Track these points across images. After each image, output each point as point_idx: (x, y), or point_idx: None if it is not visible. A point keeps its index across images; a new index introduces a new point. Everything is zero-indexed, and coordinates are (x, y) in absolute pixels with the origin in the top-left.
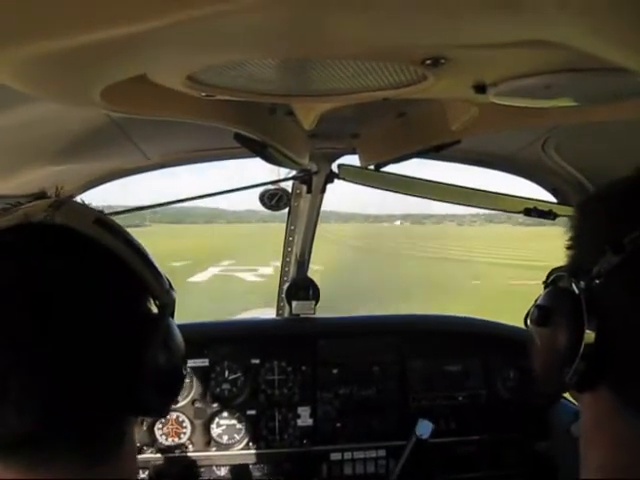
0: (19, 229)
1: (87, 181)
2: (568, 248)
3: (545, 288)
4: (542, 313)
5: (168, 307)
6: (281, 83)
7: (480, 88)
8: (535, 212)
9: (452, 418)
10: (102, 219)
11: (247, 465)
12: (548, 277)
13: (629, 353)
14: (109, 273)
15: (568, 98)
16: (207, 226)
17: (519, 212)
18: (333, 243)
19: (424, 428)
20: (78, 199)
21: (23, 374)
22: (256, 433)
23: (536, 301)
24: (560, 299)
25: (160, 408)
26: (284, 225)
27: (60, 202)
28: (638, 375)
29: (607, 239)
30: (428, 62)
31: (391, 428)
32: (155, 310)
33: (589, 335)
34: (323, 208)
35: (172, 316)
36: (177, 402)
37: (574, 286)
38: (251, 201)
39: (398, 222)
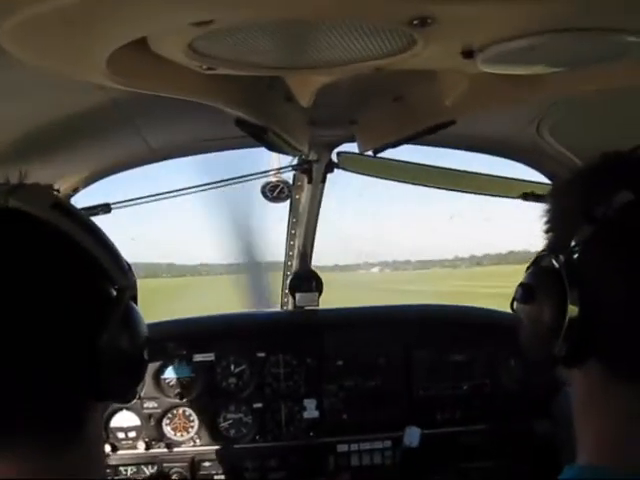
0: None
1: (91, 173)
2: (546, 231)
3: (527, 270)
4: (526, 290)
5: (127, 290)
6: (276, 54)
7: (468, 54)
8: (532, 197)
9: (457, 408)
10: (60, 204)
11: (254, 458)
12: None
13: (614, 323)
14: (64, 256)
15: (553, 62)
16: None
17: (517, 197)
18: None
19: (412, 436)
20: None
21: None
22: (263, 426)
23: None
24: (542, 275)
25: (122, 393)
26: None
27: (15, 187)
28: (626, 346)
29: (581, 213)
30: (415, 22)
31: (397, 419)
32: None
33: (574, 309)
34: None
35: (134, 300)
36: (182, 397)
37: (554, 262)
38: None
39: (376, 269)
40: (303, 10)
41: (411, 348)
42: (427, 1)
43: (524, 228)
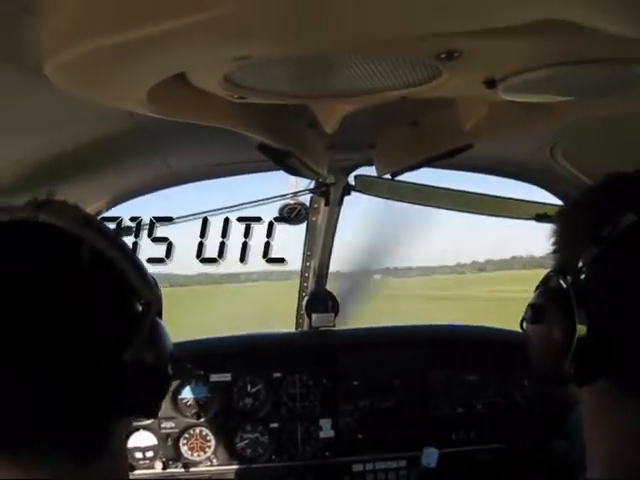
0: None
1: (114, 197)
2: (553, 252)
3: (535, 290)
4: (534, 311)
5: (153, 305)
6: (306, 84)
7: (490, 83)
8: (547, 218)
9: (472, 427)
10: (87, 217)
11: (271, 478)
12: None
13: (621, 342)
14: (91, 271)
15: (572, 90)
16: None
17: (530, 219)
18: None
19: (430, 456)
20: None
21: (6, 374)
22: (279, 446)
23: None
24: (550, 295)
25: (146, 408)
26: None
27: (44, 202)
28: (633, 364)
29: (587, 235)
30: (443, 56)
31: (412, 438)
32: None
33: (582, 329)
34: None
35: (159, 315)
36: (199, 417)
37: (562, 282)
38: None
39: (378, 276)
40: (338, 46)
41: (426, 368)
42: (455, 36)
43: (527, 233)
